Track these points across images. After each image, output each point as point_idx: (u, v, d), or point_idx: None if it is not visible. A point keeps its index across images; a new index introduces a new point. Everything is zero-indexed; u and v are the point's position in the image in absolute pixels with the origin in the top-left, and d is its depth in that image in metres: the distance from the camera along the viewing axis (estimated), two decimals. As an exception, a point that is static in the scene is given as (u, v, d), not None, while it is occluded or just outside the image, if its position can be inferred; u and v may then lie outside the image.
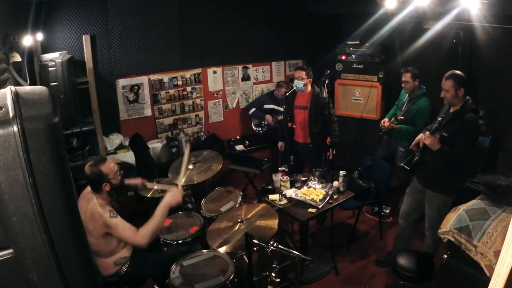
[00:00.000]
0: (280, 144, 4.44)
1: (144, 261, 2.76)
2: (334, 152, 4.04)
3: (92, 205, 2.47)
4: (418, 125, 3.85)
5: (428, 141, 2.85)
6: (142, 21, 4.54)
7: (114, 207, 2.65)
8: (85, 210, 2.45)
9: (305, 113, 4.07)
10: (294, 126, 4.22)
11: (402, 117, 3.93)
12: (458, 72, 2.89)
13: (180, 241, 2.99)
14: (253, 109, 5.41)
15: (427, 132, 2.90)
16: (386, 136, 4.32)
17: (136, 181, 3.15)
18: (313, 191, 3.47)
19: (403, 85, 4.03)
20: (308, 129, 4.08)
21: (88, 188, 2.58)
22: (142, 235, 2.52)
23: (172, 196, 2.69)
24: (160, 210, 2.61)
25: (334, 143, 4.03)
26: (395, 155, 4.22)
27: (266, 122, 5.28)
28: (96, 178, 2.50)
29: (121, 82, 4.64)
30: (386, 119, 4.03)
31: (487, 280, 0.95)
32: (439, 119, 2.85)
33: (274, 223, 2.63)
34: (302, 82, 3.95)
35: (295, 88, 4.01)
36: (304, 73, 3.94)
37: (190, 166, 3.40)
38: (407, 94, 4.05)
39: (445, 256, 2.50)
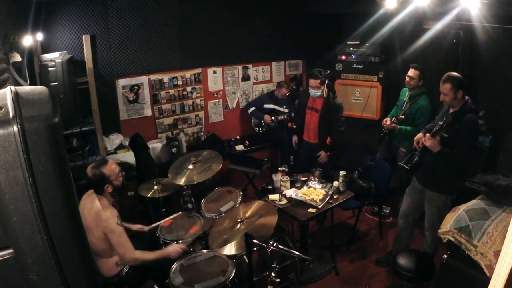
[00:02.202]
0: (294, 138, 4.54)
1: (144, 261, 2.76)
2: (320, 159, 4.19)
3: (97, 205, 2.48)
4: (419, 124, 3.85)
5: (429, 143, 2.84)
6: (142, 21, 4.54)
7: (116, 208, 2.65)
8: (90, 208, 2.45)
9: (317, 115, 4.18)
10: (294, 126, 4.26)
11: (403, 116, 3.93)
12: (455, 74, 2.88)
13: (180, 241, 2.99)
14: (253, 108, 5.41)
15: (428, 134, 2.89)
16: (387, 137, 4.32)
17: (136, 227, 3.08)
18: (313, 191, 3.47)
19: (407, 79, 3.98)
20: (318, 131, 4.19)
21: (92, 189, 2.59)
22: (138, 254, 2.56)
23: (174, 251, 2.72)
24: (161, 253, 2.67)
25: (329, 149, 4.16)
26: (396, 156, 4.21)
27: (265, 123, 5.27)
28: (98, 180, 2.51)
29: (121, 82, 4.64)
30: (388, 119, 4.03)
31: (487, 280, 0.95)
32: (441, 122, 2.83)
33: (273, 219, 2.61)
34: (319, 91, 4.03)
35: (294, 88, 4.07)
36: (319, 81, 4.01)
37: (190, 166, 3.40)
38: (407, 93, 4.05)
39: (445, 256, 2.50)
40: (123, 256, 2.55)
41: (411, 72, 3.95)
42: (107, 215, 2.45)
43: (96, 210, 2.45)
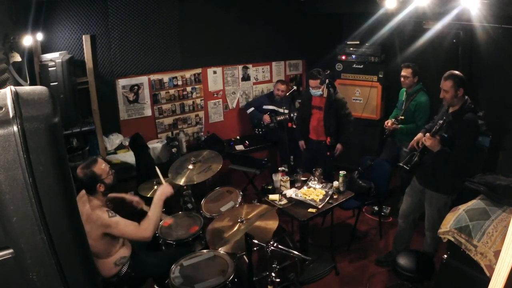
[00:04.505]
0: (301, 143, 4.57)
1: (144, 261, 2.76)
2: (337, 152, 4.30)
3: (88, 207, 2.47)
4: (419, 120, 3.88)
5: (429, 143, 2.84)
6: (142, 21, 4.54)
7: (110, 207, 2.65)
8: (81, 212, 2.44)
9: (321, 113, 4.26)
10: (294, 126, 4.28)
11: (403, 117, 3.95)
12: (456, 72, 2.88)
13: (180, 241, 2.99)
14: (252, 109, 5.40)
15: (428, 134, 2.89)
16: (390, 138, 4.34)
17: (133, 198, 3.11)
18: (313, 191, 3.47)
19: (402, 79, 4.05)
20: (324, 128, 4.27)
21: (83, 191, 2.58)
22: (144, 227, 2.58)
23: (163, 188, 2.82)
24: (156, 202, 2.73)
25: (344, 142, 4.31)
26: (399, 156, 4.22)
27: (264, 123, 5.26)
28: (89, 180, 2.50)
29: (121, 82, 4.64)
30: (389, 120, 4.04)
31: (487, 280, 0.95)
32: (440, 121, 2.84)
33: (274, 224, 2.63)
34: (319, 91, 4.14)
35: (294, 88, 4.12)
36: (318, 81, 4.10)
37: (190, 166, 3.40)
38: (405, 93, 4.08)
39: (445, 256, 2.50)
40: (137, 237, 2.57)
41: (404, 72, 4.01)
42: (97, 215, 2.45)
43: (86, 213, 2.45)
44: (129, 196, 3.11)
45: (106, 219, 2.45)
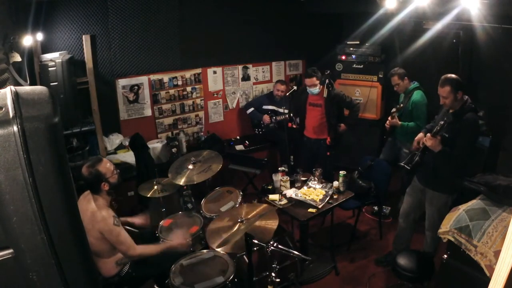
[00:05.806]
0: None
1: (144, 261, 2.76)
2: (340, 129, 4.34)
3: (92, 206, 2.48)
4: (416, 119, 3.89)
5: (430, 143, 2.84)
6: (142, 21, 4.54)
7: (114, 207, 2.65)
8: (85, 210, 2.45)
9: (320, 110, 4.26)
10: (294, 126, 4.28)
11: (402, 105, 3.99)
12: (452, 76, 2.86)
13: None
14: (252, 109, 5.40)
15: (429, 134, 2.89)
16: (391, 138, 4.34)
17: (140, 221, 3.11)
18: (313, 191, 3.47)
19: (395, 88, 4.13)
20: (327, 125, 4.29)
21: (88, 190, 2.59)
22: (141, 250, 2.61)
23: (179, 244, 2.79)
24: (163, 246, 2.74)
25: (353, 119, 4.42)
26: (399, 157, 4.22)
27: (264, 123, 5.26)
28: (94, 178, 2.51)
29: (121, 82, 4.64)
30: (389, 117, 4.05)
31: (487, 280, 0.95)
32: (441, 122, 2.83)
33: (274, 223, 2.63)
34: (316, 88, 4.15)
35: (295, 88, 4.16)
36: (315, 79, 4.10)
37: (190, 166, 3.40)
38: (402, 94, 4.12)
39: (445, 256, 2.50)
40: (125, 254, 2.57)
41: (392, 81, 4.09)
42: (103, 216, 2.45)
43: (92, 211, 2.45)
44: (138, 220, 3.11)
45: (110, 225, 2.47)
